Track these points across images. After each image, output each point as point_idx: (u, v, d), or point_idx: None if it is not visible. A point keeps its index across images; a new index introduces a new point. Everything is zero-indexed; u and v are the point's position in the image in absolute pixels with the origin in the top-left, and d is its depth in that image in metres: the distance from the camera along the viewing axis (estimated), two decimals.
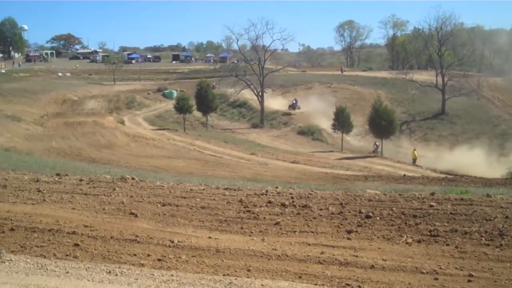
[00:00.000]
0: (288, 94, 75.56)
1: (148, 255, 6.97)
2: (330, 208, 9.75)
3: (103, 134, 46.15)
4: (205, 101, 59.10)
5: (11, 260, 6.06)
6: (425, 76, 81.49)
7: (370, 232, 8.27)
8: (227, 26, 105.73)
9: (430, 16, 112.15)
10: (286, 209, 9.75)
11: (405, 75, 77.21)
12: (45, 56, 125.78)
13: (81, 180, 12.90)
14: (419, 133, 65.46)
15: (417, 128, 66.70)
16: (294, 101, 70.58)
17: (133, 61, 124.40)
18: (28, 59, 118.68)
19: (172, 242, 7.57)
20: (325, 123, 58.39)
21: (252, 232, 8.42)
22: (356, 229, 8.45)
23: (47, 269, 5.69)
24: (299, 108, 69.35)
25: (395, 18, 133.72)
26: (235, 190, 11.77)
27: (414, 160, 46.91)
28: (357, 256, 6.91)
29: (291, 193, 11.32)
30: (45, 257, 6.73)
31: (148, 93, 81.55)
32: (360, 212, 9.38)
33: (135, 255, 6.99)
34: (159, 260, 6.77)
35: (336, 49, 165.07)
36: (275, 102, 72.80)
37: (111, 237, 7.79)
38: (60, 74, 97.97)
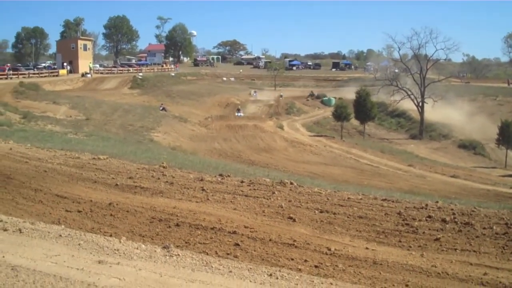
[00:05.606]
0: (449, 106, 72.21)
1: (305, 260, 7.06)
2: (494, 227, 9.26)
3: (262, 138, 47.16)
4: (364, 110, 58.34)
5: (178, 255, 6.39)
6: None
7: None
8: (389, 35, 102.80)
9: None
10: (447, 225, 9.40)
11: None
12: (212, 61, 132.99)
13: (242, 181, 13.31)
14: None
15: None
16: None
17: (294, 68, 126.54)
18: (195, 63, 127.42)
19: (329, 249, 7.61)
20: (488, 138, 55.07)
21: (410, 246, 8.24)
22: None
23: (212, 267, 5.92)
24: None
25: None
26: (393, 201, 11.52)
27: None
28: None
29: (452, 209, 10.85)
30: (207, 254, 7.08)
31: (307, 100, 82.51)
32: None
33: (292, 259, 7.12)
34: (316, 266, 6.83)
35: (503, 60, 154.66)
36: (435, 113, 69.88)
37: (270, 240, 8.00)
38: (224, 78, 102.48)
